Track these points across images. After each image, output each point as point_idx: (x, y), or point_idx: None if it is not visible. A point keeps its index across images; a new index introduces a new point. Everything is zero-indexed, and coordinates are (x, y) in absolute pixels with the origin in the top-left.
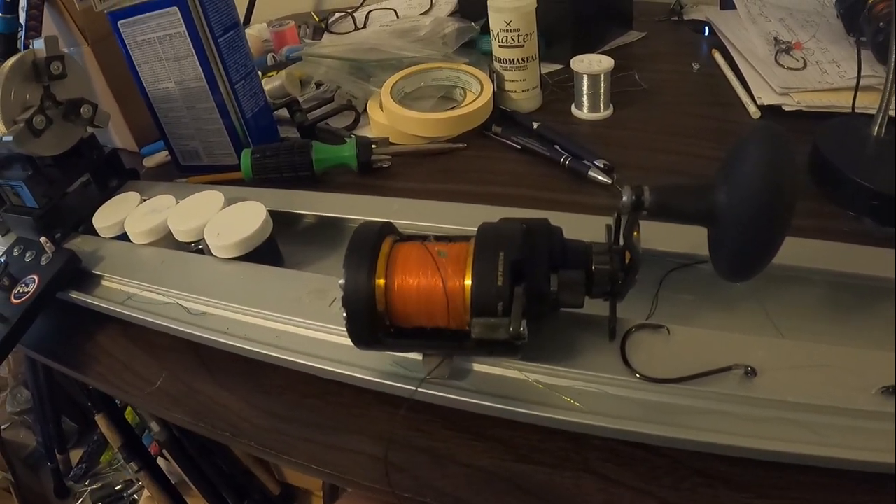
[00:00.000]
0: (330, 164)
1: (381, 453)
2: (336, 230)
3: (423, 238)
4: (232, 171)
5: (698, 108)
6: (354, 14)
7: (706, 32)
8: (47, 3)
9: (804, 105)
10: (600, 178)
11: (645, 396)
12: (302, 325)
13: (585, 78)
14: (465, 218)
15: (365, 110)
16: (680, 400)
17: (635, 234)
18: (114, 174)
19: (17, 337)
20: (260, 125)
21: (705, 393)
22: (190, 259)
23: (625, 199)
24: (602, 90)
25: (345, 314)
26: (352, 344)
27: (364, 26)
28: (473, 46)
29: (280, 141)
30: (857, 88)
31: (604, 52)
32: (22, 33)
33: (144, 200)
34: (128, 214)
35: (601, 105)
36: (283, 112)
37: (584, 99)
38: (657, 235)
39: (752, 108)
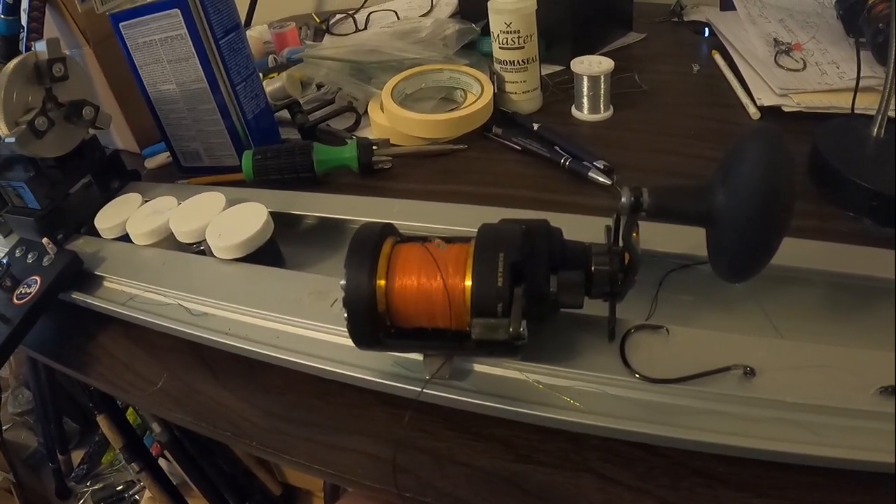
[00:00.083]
0: (331, 166)
1: (381, 453)
2: (337, 231)
3: (424, 239)
4: (233, 172)
5: (698, 110)
6: (355, 16)
7: (706, 33)
8: (49, 5)
9: (804, 106)
10: (600, 179)
11: (644, 396)
12: (303, 325)
13: (585, 79)
14: (466, 219)
15: (366, 112)
16: (679, 400)
17: (634, 235)
18: (115, 175)
19: (19, 338)
20: (261, 126)
21: (704, 393)
22: (191, 260)
23: (623, 200)
24: (602, 91)
25: (346, 315)
26: (353, 344)
27: (365, 28)
28: (474, 48)
29: (281, 142)
30: (856, 89)
31: (604, 54)
32: (23, 35)
33: (146, 202)
34: (129, 216)
35: (601, 106)
36: (284, 113)
37: (585, 100)
38: (657, 236)
39: (751, 109)
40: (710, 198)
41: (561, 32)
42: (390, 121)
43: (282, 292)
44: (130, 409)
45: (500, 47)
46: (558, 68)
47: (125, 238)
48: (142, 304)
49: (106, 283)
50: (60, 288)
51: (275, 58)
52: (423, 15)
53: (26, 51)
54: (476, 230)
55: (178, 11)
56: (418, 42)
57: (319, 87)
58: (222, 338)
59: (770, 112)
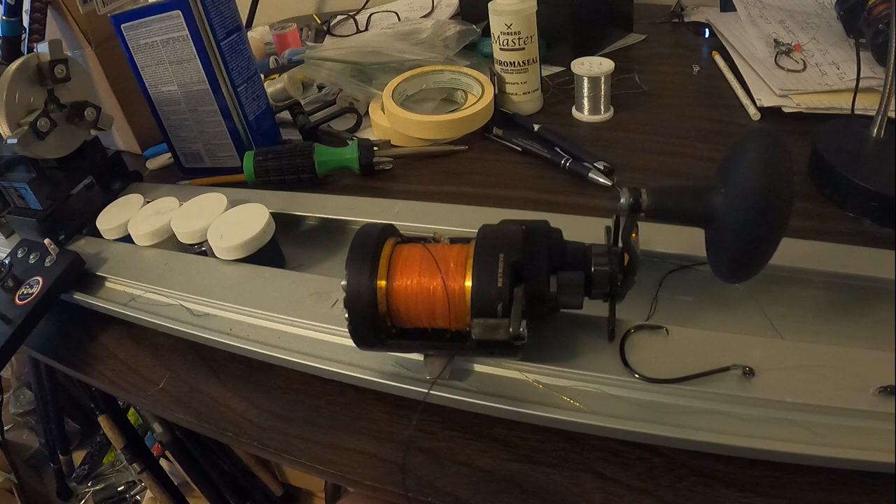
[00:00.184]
0: (332, 167)
1: (382, 453)
2: (338, 232)
3: (425, 240)
4: (234, 173)
5: (698, 110)
6: (356, 17)
7: (706, 34)
8: (51, 7)
9: (804, 107)
10: (601, 180)
11: (644, 396)
12: (304, 325)
13: (586, 80)
14: (466, 220)
15: (367, 113)
16: (678, 400)
17: (633, 235)
18: (117, 176)
19: (21, 338)
20: (262, 128)
21: (704, 393)
22: (193, 261)
23: (622, 200)
24: (602, 92)
25: (347, 315)
26: (353, 345)
27: (366, 29)
28: (475, 49)
29: (282, 143)
30: (856, 90)
31: (604, 55)
32: (25, 37)
33: (148, 202)
34: (131, 216)
35: (602, 107)
36: (286, 115)
37: (585, 101)
38: (657, 237)
39: (752, 110)
40: (709, 198)
41: (561, 34)
42: (391, 122)
43: (283, 293)
44: (132, 410)
45: (500, 48)
46: (559, 69)
47: (127, 239)
48: (143, 305)
49: (108, 284)
50: (62, 288)
51: (276, 59)
52: (424, 16)
53: (28, 52)
54: (476, 231)
55: (180, 13)
56: (419, 43)
57: (320, 88)
58: (224, 338)
59: (770, 113)
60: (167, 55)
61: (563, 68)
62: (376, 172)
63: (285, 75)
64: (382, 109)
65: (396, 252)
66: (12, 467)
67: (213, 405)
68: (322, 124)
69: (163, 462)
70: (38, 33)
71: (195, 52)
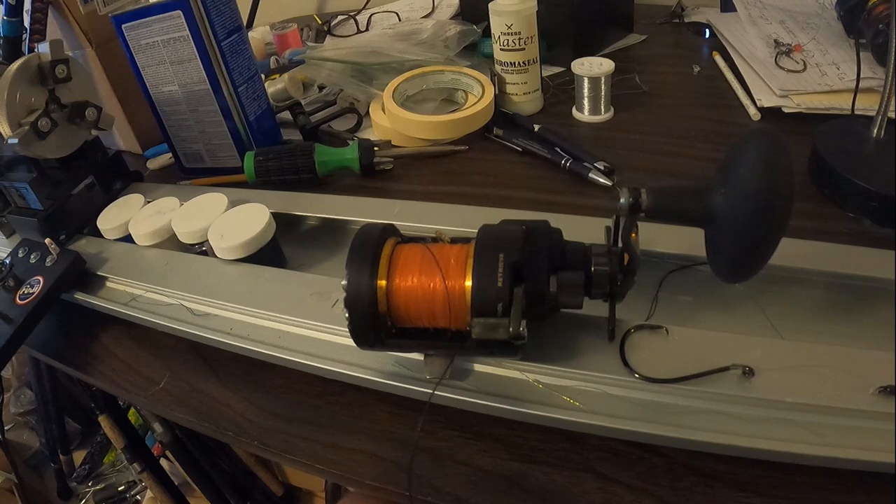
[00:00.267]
0: (332, 167)
1: (382, 452)
2: (338, 232)
3: (425, 239)
4: (235, 173)
5: (699, 111)
6: (357, 17)
7: (707, 35)
8: (51, 7)
9: (804, 107)
10: (601, 180)
11: (644, 396)
12: (304, 325)
13: (586, 80)
14: (467, 220)
15: (367, 113)
16: (678, 400)
17: (633, 235)
18: (118, 176)
19: (22, 338)
20: (263, 128)
21: (703, 393)
22: (194, 260)
23: (622, 200)
24: (603, 93)
25: (347, 315)
26: (354, 344)
27: (366, 29)
28: (475, 49)
29: (283, 143)
30: (856, 90)
31: (604, 55)
32: (26, 36)
33: (148, 202)
34: (132, 216)
35: (602, 107)
36: (286, 115)
37: (585, 101)
38: (657, 237)
39: (752, 110)
40: (709, 198)
41: (562, 34)
42: (391, 122)
43: (283, 293)
44: (132, 410)
45: (501, 49)
46: (559, 70)
47: (127, 239)
48: (144, 305)
49: (108, 284)
50: (63, 288)
51: (276, 59)
52: (425, 16)
53: (29, 52)
54: (477, 231)
55: (181, 13)
56: (420, 43)
57: (321, 88)
58: (224, 338)
59: (770, 113)
60: (168, 55)
61: (563, 69)
62: (377, 172)
63: (286, 75)
64: (383, 109)
65: (397, 252)
66: (13, 467)
67: (214, 405)
68: (323, 124)
69: (163, 462)
70: (38, 33)
71: (196, 53)
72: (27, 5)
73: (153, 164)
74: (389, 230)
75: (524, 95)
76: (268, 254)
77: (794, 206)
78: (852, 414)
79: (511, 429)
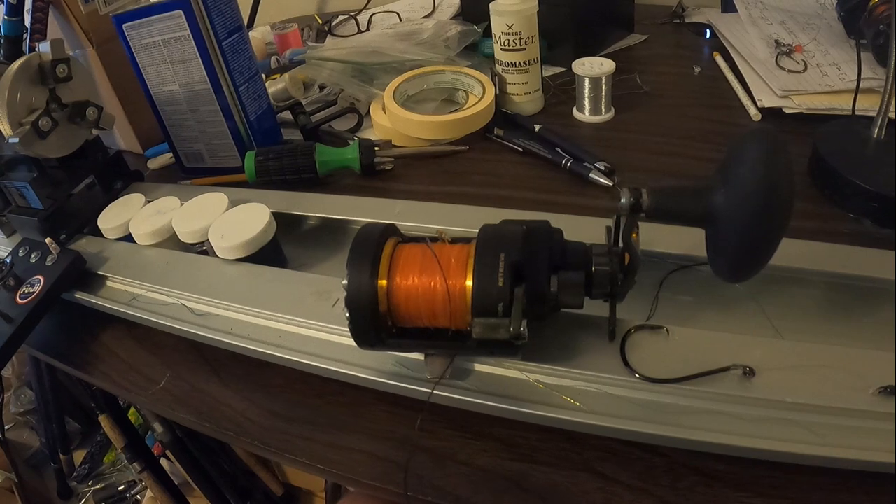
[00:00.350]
0: (333, 167)
1: (382, 452)
2: (339, 232)
3: (426, 239)
4: (236, 173)
5: (699, 111)
6: (357, 17)
7: (707, 35)
8: (52, 6)
9: (805, 107)
10: (601, 180)
11: (644, 396)
12: (305, 325)
13: (587, 81)
14: (467, 220)
15: (368, 113)
16: (679, 400)
17: (634, 235)
18: (118, 176)
19: (22, 337)
20: (263, 128)
21: (704, 393)
22: (194, 260)
23: (623, 200)
24: (603, 93)
25: (348, 314)
26: (354, 344)
27: (367, 29)
28: (476, 49)
29: (283, 143)
30: (857, 91)
31: (605, 55)
32: (27, 36)
33: (149, 202)
34: (132, 216)
35: (602, 108)
36: (287, 115)
37: (586, 101)
38: (658, 237)
39: (752, 111)
40: (709, 198)
41: (562, 34)
42: (392, 122)
43: (284, 292)
44: (132, 409)
45: (501, 49)
46: (560, 70)
47: (128, 238)
48: (145, 304)
49: (109, 283)
50: (63, 287)
51: (277, 59)
52: (425, 16)
53: (30, 52)
54: (477, 231)
55: (182, 13)
56: (420, 43)
57: (322, 88)
58: (225, 337)
59: (771, 113)
60: (169, 55)
61: (564, 69)
62: (377, 172)
63: (286, 75)
64: (383, 109)
65: (397, 252)
66: (13, 466)
67: (214, 404)
68: (323, 124)
69: (163, 462)
70: (39, 33)
71: (197, 52)
72: (28, 5)
73: (154, 163)
74: (390, 230)
75: (525, 95)
76: (268, 253)
77: (794, 207)
78: (852, 414)
79: (511, 429)
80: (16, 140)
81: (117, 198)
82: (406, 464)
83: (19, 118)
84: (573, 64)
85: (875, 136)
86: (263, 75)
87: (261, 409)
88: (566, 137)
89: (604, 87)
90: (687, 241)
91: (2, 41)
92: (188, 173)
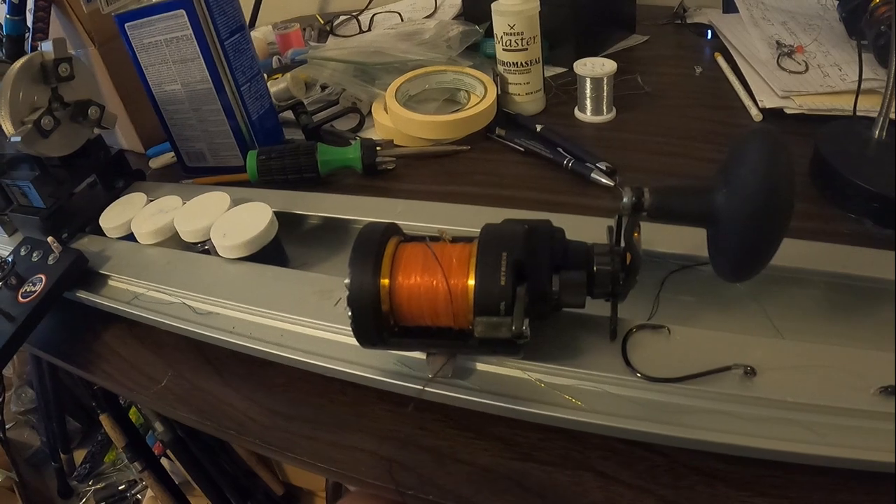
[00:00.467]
0: (335, 166)
1: (383, 451)
2: (341, 231)
3: (428, 238)
4: (237, 172)
5: (701, 111)
6: (359, 17)
7: (709, 36)
8: (54, 6)
9: (806, 108)
10: (603, 180)
11: (645, 396)
12: (307, 324)
13: (588, 81)
14: (469, 219)
15: (369, 113)
16: (680, 399)
17: (636, 235)
18: (120, 175)
19: (24, 336)
20: (265, 127)
21: (705, 392)
22: (196, 259)
23: (625, 200)
24: (605, 93)
25: (350, 314)
26: (356, 343)
27: (369, 29)
28: (477, 49)
29: (285, 143)
30: (858, 91)
31: (607, 56)
32: (29, 35)
33: (151, 201)
34: (134, 215)
35: (604, 108)
36: (289, 114)
37: (587, 102)
38: (659, 237)
39: (753, 111)
40: (711, 198)
41: (564, 34)
42: (394, 122)
43: (286, 291)
44: (133, 409)
45: (503, 49)
46: (561, 70)
47: (130, 237)
48: (146, 303)
49: (111, 282)
50: (65, 286)
51: (279, 59)
52: (427, 16)
53: (32, 51)
54: (479, 230)
55: (184, 12)
56: (422, 43)
57: (323, 87)
58: (226, 336)
59: (772, 114)
60: (171, 54)
61: (565, 69)
62: (379, 172)
63: (288, 75)
64: (385, 109)
65: (399, 251)
66: (13, 465)
67: (216, 403)
68: (325, 124)
69: (164, 461)
70: (41, 32)
71: (199, 52)
72: (30, 4)
73: (155, 162)
74: (392, 229)
75: (526, 96)
76: (270, 253)
77: (795, 207)
78: (853, 414)
79: (513, 428)
80: (18, 139)
81: (119, 197)
82: (390, 459)
83: (21, 117)
84: (575, 64)
85: (876, 136)
86: (265, 75)
87: (262, 408)
88: (568, 137)
89: (605, 88)
90: (688, 241)
91: (4, 40)
92: (190, 172)
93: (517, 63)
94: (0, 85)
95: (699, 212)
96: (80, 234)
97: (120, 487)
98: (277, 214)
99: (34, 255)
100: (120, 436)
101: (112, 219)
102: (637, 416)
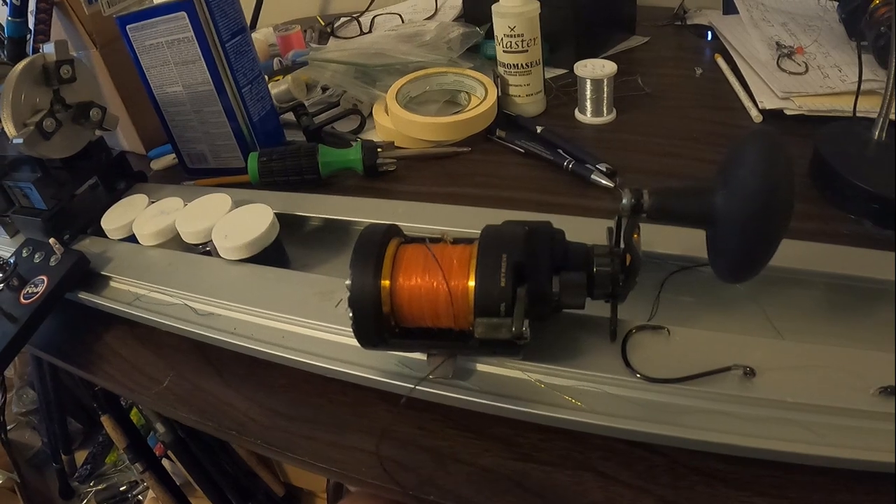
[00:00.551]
0: (336, 168)
1: (384, 451)
2: (342, 232)
3: (429, 240)
4: (239, 174)
5: (701, 113)
6: (360, 19)
7: (709, 37)
8: (56, 8)
9: (806, 109)
10: (603, 181)
11: (645, 396)
12: (308, 325)
13: (589, 82)
14: (469, 221)
15: (370, 114)
16: (680, 400)
17: (635, 236)
18: (122, 176)
19: (26, 337)
20: (266, 129)
21: (705, 393)
22: (197, 261)
23: (624, 201)
24: (605, 94)
25: (351, 315)
26: (357, 344)
27: (369, 31)
28: (478, 51)
29: (286, 144)
30: (857, 92)
31: (607, 57)
32: (30, 37)
33: (152, 203)
34: (136, 216)
35: (604, 109)
36: (290, 116)
37: (588, 103)
38: (659, 238)
39: (753, 113)
40: (710, 199)
41: (564, 36)
42: (395, 123)
43: (287, 293)
44: (134, 410)
45: (503, 51)
46: (562, 71)
47: (131, 239)
48: (148, 304)
49: (112, 283)
50: (67, 288)
51: (280, 60)
52: (428, 18)
53: (34, 53)
54: (479, 232)
55: (185, 14)
56: (423, 45)
57: (324, 89)
58: (228, 337)
59: (772, 115)
60: (172, 56)
61: (565, 70)
62: (380, 174)
63: (289, 77)
64: (386, 111)
65: (400, 252)
66: (15, 466)
67: (217, 404)
68: (326, 126)
69: (165, 462)
70: (43, 34)
71: (200, 54)
72: (31, 6)
73: (157, 164)
74: (393, 231)
75: (527, 97)
76: (271, 254)
77: (794, 208)
78: (852, 414)
79: (513, 428)
80: (20, 141)
81: (121, 198)
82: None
83: (23, 119)
84: (575, 66)
85: (876, 137)
86: (266, 77)
87: (263, 409)
88: (568, 139)
89: (605, 89)
90: (688, 242)
91: (6, 42)
92: (191, 174)
93: (517, 65)
94: (2, 87)
95: (698, 213)
96: (81, 236)
97: (121, 488)
98: (279, 216)
99: (36, 256)
100: (121, 437)
101: (113, 220)
102: (637, 417)
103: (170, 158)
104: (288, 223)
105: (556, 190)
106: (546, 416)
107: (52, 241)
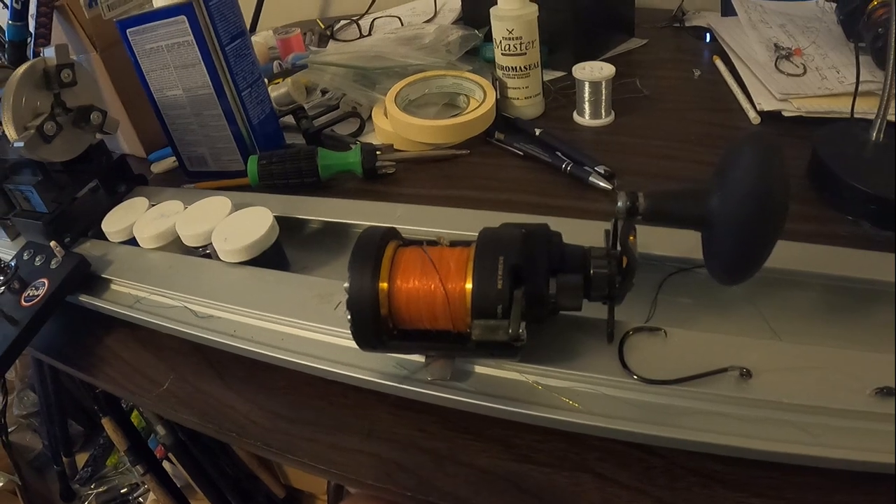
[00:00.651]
0: (335, 171)
1: (384, 453)
2: (341, 235)
3: (426, 243)
4: (239, 177)
5: (699, 115)
6: (359, 22)
7: (707, 39)
8: (56, 11)
9: (804, 111)
10: (601, 184)
11: (642, 397)
12: (307, 327)
13: (587, 85)
14: (467, 223)
15: (370, 117)
16: (676, 401)
17: (631, 238)
18: (122, 180)
19: (26, 339)
20: (266, 132)
21: (701, 394)
22: (197, 263)
23: (620, 204)
24: (603, 97)
25: (349, 317)
26: (356, 346)
27: (369, 34)
28: (477, 54)
29: (286, 147)
30: (855, 94)
31: (605, 60)
32: (31, 41)
33: (153, 206)
34: (136, 219)
35: (603, 112)
36: (289, 119)
37: (586, 106)
38: (656, 240)
39: (752, 114)
40: (705, 201)
41: (563, 38)
42: (394, 126)
43: (286, 295)
44: (135, 412)
45: (502, 53)
46: (560, 74)
47: (132, 241)
48: (148, 307)
49: (113, 286)
50: (68, 290)
51: (280, 63)
52: (427, 21)
53: (34, 57)
54: (477, 234)
55: (185, 18)
56: (422, 48)
57: (324, 92)
58: (228, 340)
59: (770, 117)
60: (172, 60)
61: (564, 73)
62: (379, 176)
63: (289, 80)
64: (385, 114)
65: (398, 255)
66: (16, 469)
67: (217, 406)
68: (325, 128)
69: (166, 464)
70: (43, 37)
71: (200, 57)
72: (32, 10)
73: (157, 167)
74: (391, 233)
75: (525, 100)
76: (271, 257)
77: (789, 209)
78: (849, 415)
79: (510, 430)
80: (21, 144)
81: (121, 201)
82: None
83: (24, 122)
84: (573, 68)
85: (874, 139)
86: (266, 80)
87: (263, 411)
88: (566, 141)
89: (604, 91)
90: (685, 244)
91: (6, 46)
92: (191, 177)
93: (516, 67)
94: (3, 91)
95: (693, 215)
96: (82, 239)
97: (122, 491)
98: (278, 219)
99: (37, 259)
100: (122, 439)
101: (114, 223)
102: (634, 418)
103: (170, 161)
104: (287, 226)
105: (554, 192)
106: (543, 418)
107: (52, 244)
